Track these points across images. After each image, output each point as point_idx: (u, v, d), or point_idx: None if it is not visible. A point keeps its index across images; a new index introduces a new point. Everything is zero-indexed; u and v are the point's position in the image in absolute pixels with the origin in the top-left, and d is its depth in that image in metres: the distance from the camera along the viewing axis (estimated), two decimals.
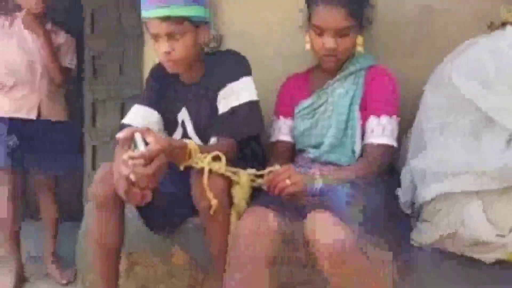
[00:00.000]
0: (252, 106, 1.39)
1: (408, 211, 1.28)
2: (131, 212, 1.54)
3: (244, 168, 1.30)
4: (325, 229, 1.02)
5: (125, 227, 1.48)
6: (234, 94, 1.39)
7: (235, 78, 1.40)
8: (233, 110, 1.37)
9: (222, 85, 1.40)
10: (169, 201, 1.42)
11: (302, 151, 1.51)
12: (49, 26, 2.17)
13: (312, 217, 1.06)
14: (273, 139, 1.56)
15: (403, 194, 1.28)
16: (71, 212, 2.32)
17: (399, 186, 1.30)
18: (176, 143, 1.20)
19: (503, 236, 1.00)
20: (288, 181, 1.16)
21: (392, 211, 1.23)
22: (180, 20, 1.32)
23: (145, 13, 1.36)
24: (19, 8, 2.14)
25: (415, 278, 1.17)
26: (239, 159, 1.33)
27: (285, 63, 1.72)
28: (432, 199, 1.14)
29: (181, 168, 1.22)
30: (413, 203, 1.27)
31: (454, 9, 1.44)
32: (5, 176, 2.08)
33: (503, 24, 1.15)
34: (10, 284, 2.05)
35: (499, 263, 1.06)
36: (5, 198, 2.08)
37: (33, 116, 2.11)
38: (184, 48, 1.36)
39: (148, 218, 1.53)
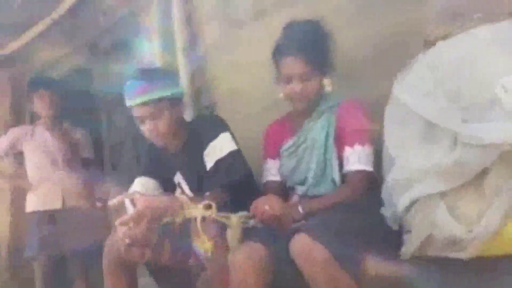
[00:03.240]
0: (233, 156, 1.54)
1: (396, 227, 1.33)
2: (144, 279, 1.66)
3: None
4: (302, 250, 1.11)
5: None
6: (216, 150, 1.55)
7: (214, 136, 1.57)
8: (217, 164, 1.53)
9: (205, 145, 1.58)
10: (179, 260, 1.52)
11: (291, 189, 1.62)
12: (65, 125, 2.48)
13: (292, 240, 1.14)
14: (263, 180, 1.69)
15: (386, 210, 1.34)
16: None
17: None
18: (164, 198, 1.35)
19: (470, 231, 1.04)
20: (266, 207, 1.26)
21: (376, 229, 1.29)
22: (158, 101, 1.53)
23: (128, 102, 1.57)
24: (37, 116, 2.49)
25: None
26: (236, 205, 1.44)
27: (270, 114, 1.88)
28: (407, 209, 1.19)
29: (178, 220, 1.35)
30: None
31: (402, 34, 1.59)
32: (39, 265, 2.26)
33: (435, 41, 1.28)
34: None
35: (477, 261, 1.08)
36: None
37: (58, 206, 2.33)
38: (165, 124, 1.56)
39: (161, 279, 1.64)
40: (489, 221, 1.01)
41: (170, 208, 1.34)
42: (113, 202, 1.31)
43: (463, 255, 1.06)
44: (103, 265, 1.48)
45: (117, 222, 1.27)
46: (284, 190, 1.63)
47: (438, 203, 1.10)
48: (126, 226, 1.27)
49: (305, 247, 1.10)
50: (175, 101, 1.60)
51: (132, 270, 1.49)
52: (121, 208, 1.33)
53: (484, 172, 1.04)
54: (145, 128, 1.58)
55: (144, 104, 1.53)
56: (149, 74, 1.58)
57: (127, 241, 1.29)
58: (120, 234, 1.29)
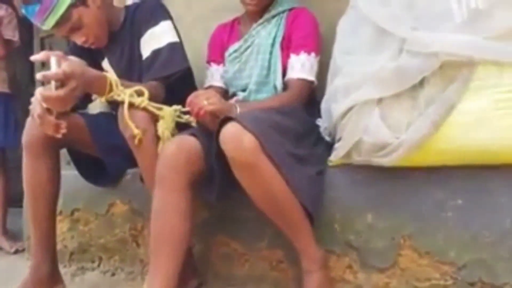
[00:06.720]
0: (173, 47, 1.43)
1: (329, 138, 1.35)
2: (70, 170, 1.57)
3: None
4: (230, 138, 1.07)
5: (65, 186, 1.48)
6: (155, 38, 1.43)
7: (155, 23, 1.44)
8: (155, 53, 1.42)
9: (143, 31, 1.45)
10: (108, 152, 1.44)
11: (233, 96, 1.56)
12: None
13: (223, 128, 1.10)
14: (206, 85, 1.62)
15: (322, 122, 1.34)
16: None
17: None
18: (92, 72, 1.22)
19: (398, 137, 1.07)
20: (205, 101, 1.21)
21: (308, 135, 1.29)
22: (67, 14, 1.36)
23: (44, 28, 1.40)
24: None
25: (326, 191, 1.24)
26: (171, 103, 1.36)
27: (220, 18, 1.76)
28: (342, 117, 1.20)
29: (102, 100, 1.25)
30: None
31: None
32: None
33: None
34: None
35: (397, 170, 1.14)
36: None
37: None
38: (92, 28, 1.43)
39: (86, 172, 1.55)
40: (416, 129, 1.04)
41: (97, 81, 1.21)
42: (35, 56, 1.15)
43: (387, 161, 1.09)
44: (23, 145, 1.34)
45: (38, 75, 1.11)
46: (225, 97, 1.57)
47: (372, 109, 1.10)
48: (47, 85, 1.14)
49: (235, 134, 1.06)
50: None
51: (54, 153, 1.38)
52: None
53: (421, 85, 1.06)
54: (78, 42, 1.46)
55: (56, 25, 1.37)
56: None
57: (44, 104, 1.15)
58: (38, 96, 1.14)
